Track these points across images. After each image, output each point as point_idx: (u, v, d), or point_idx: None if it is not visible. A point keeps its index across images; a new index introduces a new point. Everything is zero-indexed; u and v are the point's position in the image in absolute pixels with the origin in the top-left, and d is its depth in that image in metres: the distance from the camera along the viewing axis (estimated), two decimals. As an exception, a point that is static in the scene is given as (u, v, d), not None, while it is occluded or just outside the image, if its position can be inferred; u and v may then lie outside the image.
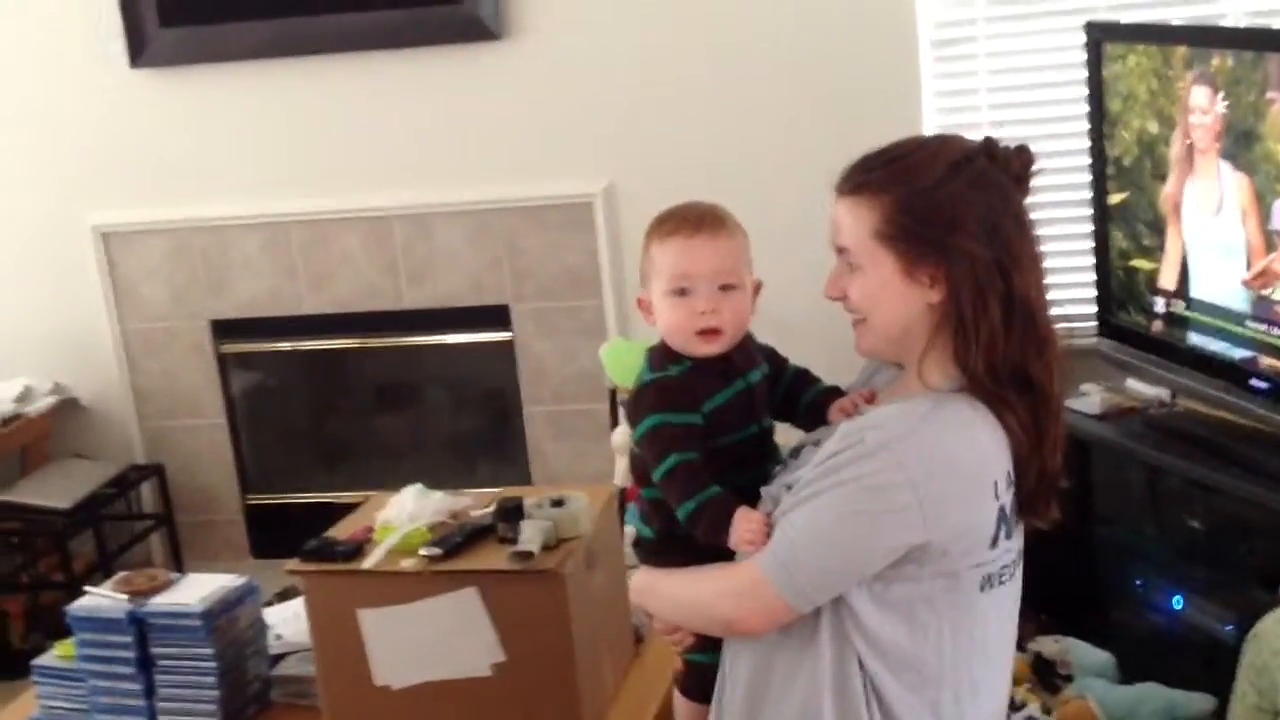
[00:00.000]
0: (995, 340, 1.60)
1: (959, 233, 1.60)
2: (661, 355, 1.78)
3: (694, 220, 1.76)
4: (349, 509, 2.65)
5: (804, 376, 1.87)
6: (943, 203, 1.60)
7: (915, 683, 1.65)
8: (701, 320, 1.73)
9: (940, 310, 1.63)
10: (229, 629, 2.47)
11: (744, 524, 1.65)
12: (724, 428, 1.75)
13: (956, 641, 1.65)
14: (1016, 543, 1.68)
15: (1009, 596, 1.71)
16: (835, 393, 1.83)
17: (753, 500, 1.72)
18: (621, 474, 3.56)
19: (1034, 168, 1.66)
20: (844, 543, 1.58)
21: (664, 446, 1.72)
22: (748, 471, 1.76)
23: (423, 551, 2.32)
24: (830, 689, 1.64)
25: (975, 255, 1.59)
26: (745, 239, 1.78)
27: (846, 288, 1.68)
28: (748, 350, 1.81)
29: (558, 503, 2.36)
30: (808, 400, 1.83)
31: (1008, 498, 1.63)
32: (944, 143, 1.69)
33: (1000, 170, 1.63)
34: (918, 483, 1.56)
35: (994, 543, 1.63)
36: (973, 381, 1.62)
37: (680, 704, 1.95)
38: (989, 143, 1.66)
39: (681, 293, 1.74)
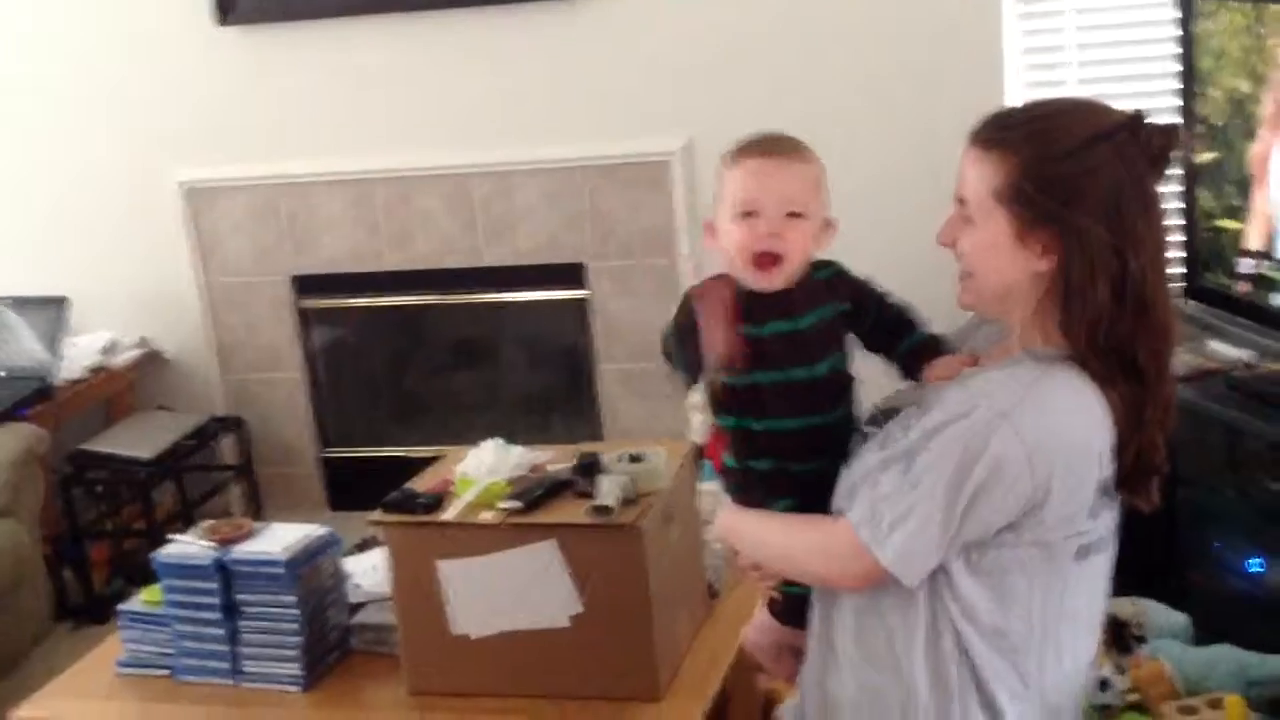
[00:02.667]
0: (1100, 320, 1.58)
1: (1079, 208, 1.57)
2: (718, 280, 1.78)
3: (766, 145, 1.77)
4: (424, 463, 2.68)
5: (904, 316, 1.83)
6: (1069, 174, 1.57)
7: (1003, 648, 1.65)
8: (764, 242, 1.72)
9: (1048, 279, 1.62)
10: (311, 578, 2.52)
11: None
12: (762, 363, 1.74)
13: (1046, 610, 1.65)
14: (1114, 515, 1.68)
15: (1102, 567, 1.71)
16: (935, 344, 1.80)
17: (810, 441, 1.74)
18: (698, 430, 3.56)
19: (1175, 150, 1.62)
20: (956, 514, 1.57)
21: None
22: (799, 415, 1.76)
23: (502, 504, 2.35)
24: (923, 646, 1.66)
25: (1092, 233, 1.57)
26: (819, 170, 1.77)
27: (958, 238, 1.66)
28: (813, 289, 1.77)
29: (636, 458, 2.38)
30: (906, 347, 1.81)
31: (1110, 470, 1.62)
32: (1089, 111, 1.64)
33: (1140, 148, 1.59)
34: (1032, 452, 1.55)
35: (1093, 513, 1.62)
36: (1077, 354, 1.60)
37: (769, 625, 1.92)
38: (1136, 117, 1.61)
39: (747, 215, 1.74)
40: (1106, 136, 1.58)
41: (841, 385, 1.81)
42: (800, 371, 1.75)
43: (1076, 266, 1.58)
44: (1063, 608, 1.66)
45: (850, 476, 1.70)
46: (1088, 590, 1.69)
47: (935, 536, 1.57)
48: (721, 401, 1.82)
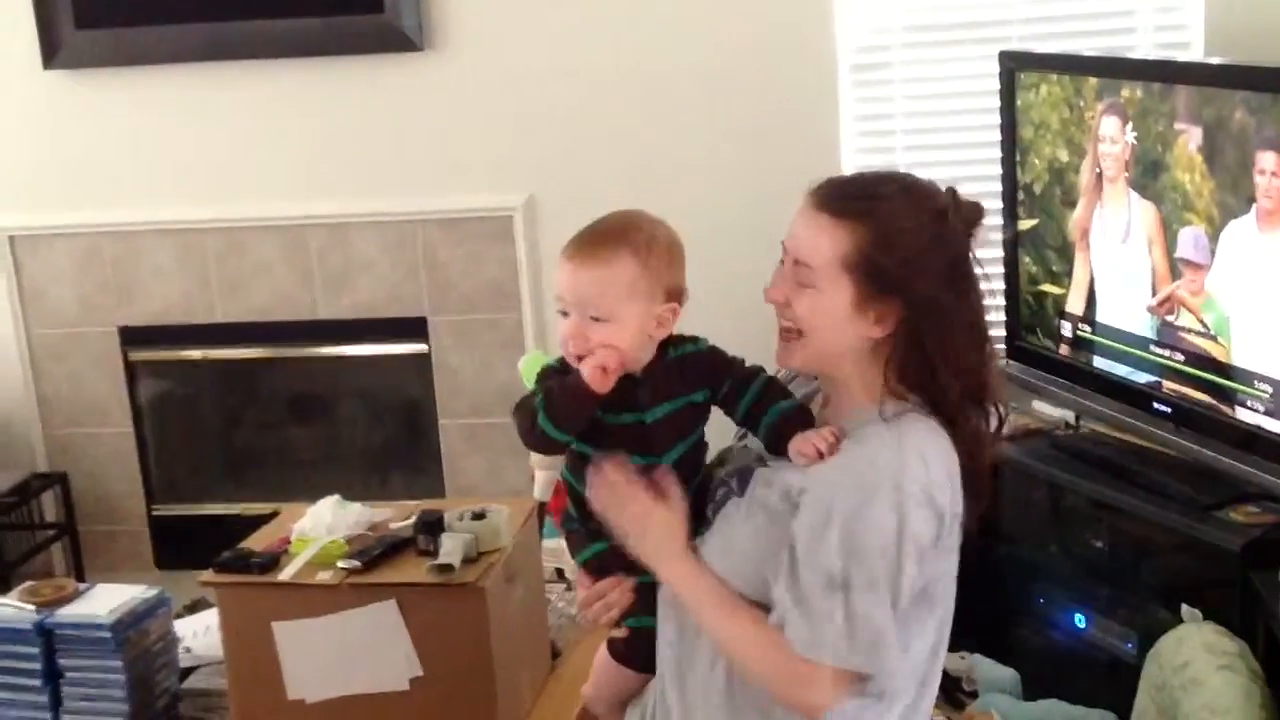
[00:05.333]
0: (971, 371, 1.69)
1: (925, 278, 1.66)
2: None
3: (581, 244, 1.72)
4: (258, 520, 2.63)
5: (764, 389, 1.78)
6: (916, 248, 1.66)
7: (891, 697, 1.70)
8: (569, 346, 1.71)
9: (881, 344, 1.69)
10: (139, 641, 2.44)
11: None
12: (605, 442, 1.74)
13: (924, 655, 1.73)
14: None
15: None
16: (797, 416, 1.76)
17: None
18: (541, 488, 3.56)
19: (983, 221, 1.73)
20: (903, 597, 1.62)
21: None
22: None
23: (341, 564, 2.32)
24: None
25: (942, 299, 1.67)
26: (630, 270, 1.70)
27: (792, 299, 1.70)
28: (664, 379, 1.75)
29: (479, 515, 2.37)
30: (769, 422, 1.76)
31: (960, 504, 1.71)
32: (921, 188, 1.73)
33: (960, 221, 1.70)
34: (930, 500, 1.63)
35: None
36: (940, 402, 1.69)
37: (610, 674, 1.89)
38: (952, 193, 1.72)
39: (563, 315, 1.73)
40: (942, 215, 1.69)
41: (691, 470, 1.79)
42: (639, 460, 1.74)
43: (932, 331, 1.67)
44: (939, 652, 1.75)
45: (732, 552, 1.70)
46: (939, 632, 1.77)
47: (895, 624, 1.63)
48: (572, 467, 1.81)
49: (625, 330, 1.70)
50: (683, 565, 1.71)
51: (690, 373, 1.77)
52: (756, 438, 1.79)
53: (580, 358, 1.70)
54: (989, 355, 1.74)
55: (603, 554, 1.79)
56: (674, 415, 1.76)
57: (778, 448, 1.74)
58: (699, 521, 1.77)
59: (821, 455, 1.67)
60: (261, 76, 4.13)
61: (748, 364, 1.82)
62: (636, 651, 1.83)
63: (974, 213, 1.72)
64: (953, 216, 1.69)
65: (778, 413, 1.75)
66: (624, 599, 1.79)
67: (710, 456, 1.85)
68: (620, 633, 1.83)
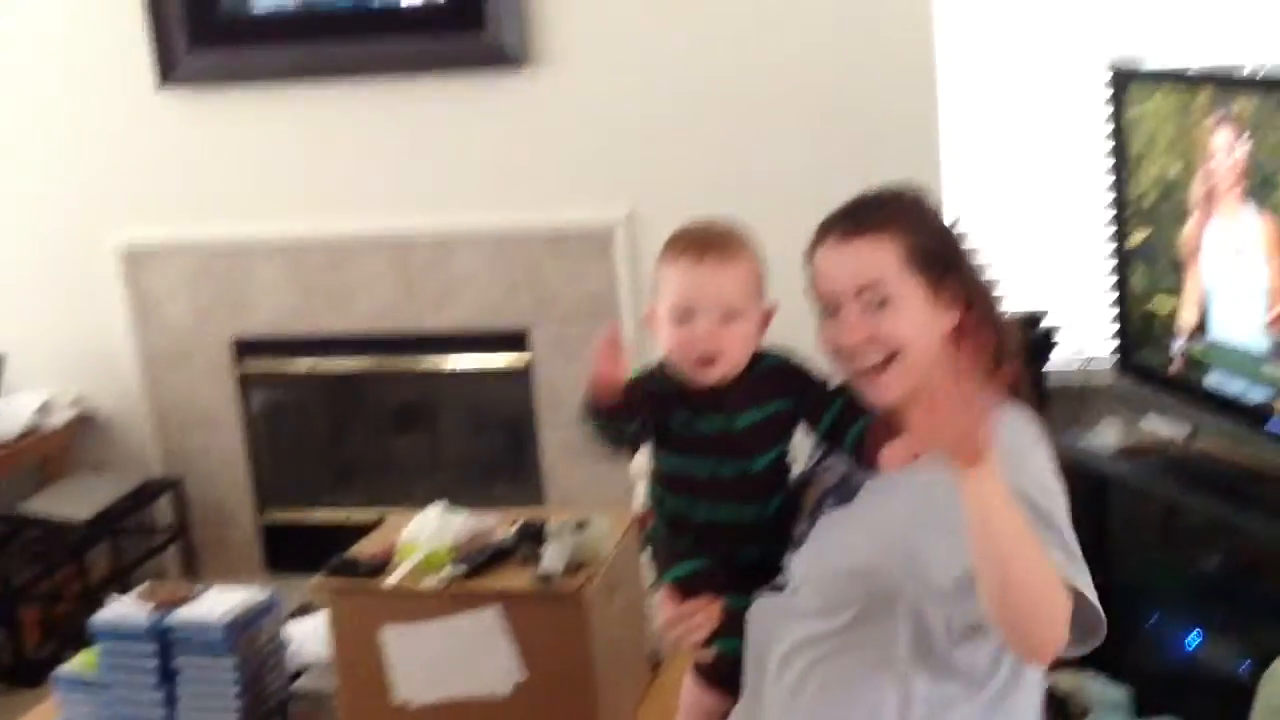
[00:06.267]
0: (1017, 345, 1.77)
1: (956, 245, 1.76)
2: (661, 366, 1.78)
3: (703, 245, 1.73)
4: (364, 528, 2.67)
5: (847, 405, 1.77)
6: (939, 223, 1.77)
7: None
8: (700, 347, 1.71)
9: (949, 335, 1.72)
10: (251, 643, 2.49)
11: None
12: (694, 451, 1.75)
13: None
14: None
15: None
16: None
17: (743, 533, 1.76)
18: (640, 500, 3.57)
19: None
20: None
21: None
22: (725, 505, 1.76)
23: (446, 571, 2.35)
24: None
25: (971, 255, 1.76)
26: (755, 266, 1.76)
27: (874, 328, 1.69)
28: (754, 385, 1.76)
29: (580, 526, 2.39)
30: (856, 432, 1.74)
31: None
32: (898, 185, 1.83)
33: None
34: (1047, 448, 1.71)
35: None
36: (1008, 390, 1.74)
37: (697, 695, 1.86)
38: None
39: (683, 319, 1.72)
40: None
41: (776, 482, 1.79)
42: (727, 467, 1.74)
43: (978, 293, 1.74)
44: None
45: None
46: None
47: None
48: (659, 480, 1.82)
49: (753, 327, 1.75)
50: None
51: (775, 382, 1.78)
52: (842, 451, 1.78)
53: (710, 359, 1.71)
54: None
55: (692, 575, 1.78)
56: (764, 422, 1.76)
57: (864, 461, 1.73)
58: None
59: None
60: (367, 94, 4.20)
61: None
62: (724, 674, 1.81)
63: None
64: None
65: (868, 423, 1.73)
66: (711, 620, 1.77)
67: None
68: (707, 656, 1.81)
